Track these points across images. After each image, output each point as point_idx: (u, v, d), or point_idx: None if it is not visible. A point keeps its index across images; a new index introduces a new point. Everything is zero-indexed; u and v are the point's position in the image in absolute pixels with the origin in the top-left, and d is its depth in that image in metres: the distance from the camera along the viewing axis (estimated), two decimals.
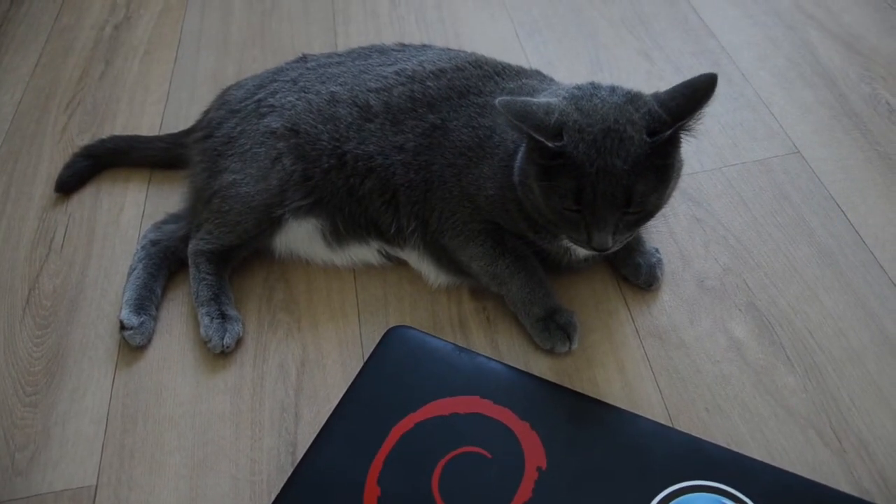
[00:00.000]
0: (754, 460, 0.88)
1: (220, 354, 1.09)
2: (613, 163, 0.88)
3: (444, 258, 1.11)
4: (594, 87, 0.96)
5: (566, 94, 0.96)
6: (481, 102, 1.08)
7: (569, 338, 1.02)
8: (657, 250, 1.11)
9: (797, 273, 1.09)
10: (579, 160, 0.89)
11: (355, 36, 1.62)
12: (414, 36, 1.60)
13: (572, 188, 0.90)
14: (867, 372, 0.98)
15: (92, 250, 1.27)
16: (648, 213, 0.94)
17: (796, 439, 0.93)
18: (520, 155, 0.98)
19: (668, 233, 1.16)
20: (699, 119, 0.91)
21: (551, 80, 1.14)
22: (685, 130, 0.92)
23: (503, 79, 1.11)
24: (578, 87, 0.97)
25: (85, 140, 1.42)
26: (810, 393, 0.96)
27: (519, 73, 1.14)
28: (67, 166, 1.37)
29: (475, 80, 1.11)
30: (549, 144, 0.89)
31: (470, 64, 1.14)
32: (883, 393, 0.95)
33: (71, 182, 1.36)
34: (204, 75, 1.55)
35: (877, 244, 1.10)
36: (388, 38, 1.51)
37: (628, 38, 1.50)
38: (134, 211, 1.31)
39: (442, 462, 0.90)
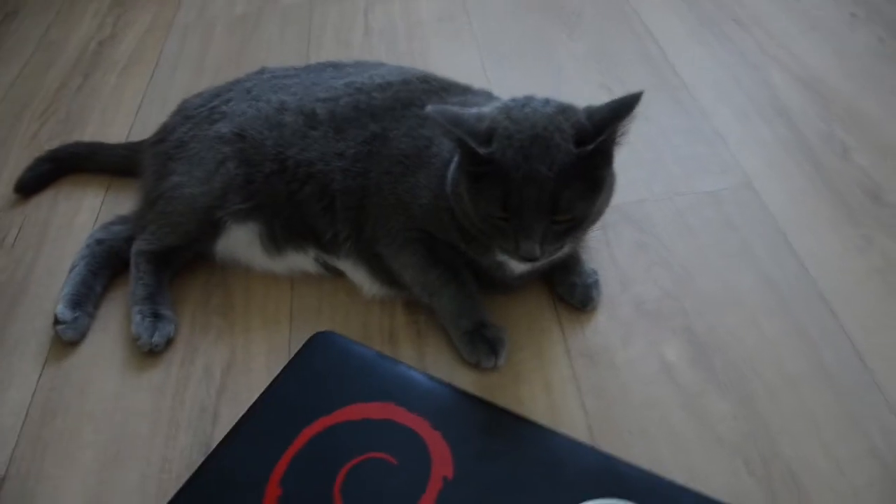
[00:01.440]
0: (671, 482, 0.85)
1: (148, 353, 1.08)
2: (539, 169, 0.88)
3: (378, 268, 1.10)
4: (528, 98, 0.97)
5: (500, 105, 0.96)
6: (423, 115, 1.07)
7: (495, 353, 1.00)
8: (595, 272, 1.10)
9: (738, 301, 1.07)
10: (506, 166, 0.89)
11: None
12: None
13: (499, 195, 0.90)
14: (801, 401, 0.94)
15: (42, 250, 1.28)
16: (577, 224, 0.93)
17: (722, 466, 0.89)
18: (453, 164, 0.98)
19: (609, 257, 1.14)
20: (624, 133, 0.91)
21: (498, 98, 1.14)
22: (614, 142, 0.92)
23: (449, 94, 1.12)
24: (513, 99, 0.97)
25: (52, 147, 1.44)
26: (740, 420, 0.93)
27: (465, 90, 1.15)
28: (29, 168, 1.39)
29: (420, 93, 1.12)
30: (479, 150, 0.89)
31: (418, 79, 1.15)
32: (816, 423, 0.92)
33: (31, 184, 1.38)
34: (176, 93, 1.56)
35: (821, 275, 1.08)
36: None
37: (592, 72, 1.51)
38: (88, 215, 1.33)
39: (347, 466, 0.87)
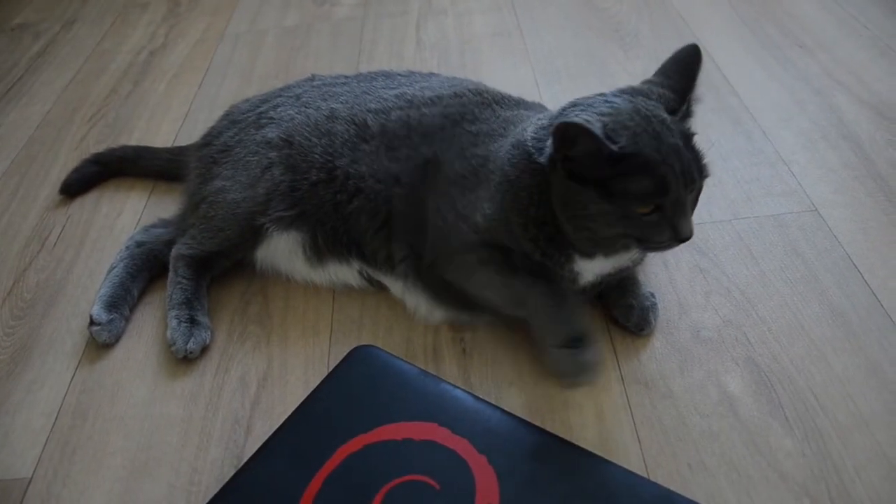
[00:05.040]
0: None
1: (182, 360, 1.05)
2: (675, 144, 0.88)
3: (443, 292, 1.04)
4: (585, 99, 0.94)
5: (568, 111, 0.92)
6: (475, 130, 1.04)
7: (584, 371, 0.93)
8: (653, 294, 1.04)
9: (804, 331, 1.00)
10: (645, 154, 0.86)
11: None
12: None
13: (648, 186, 0.86)
14: (876, 442, 0.87)
15: (82, 251, 1.26)
16: (699, 191, 0.93)
17: None
18: (557, 196, 0.92)
19: (667, 280, 1.09)
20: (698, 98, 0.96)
21: (551, 112, 1.10)
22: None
23: (501, 107, 1.08)
24: (573, 104, 0.94)
25: (100, 150, 1.43)
26: (808, 458, 0.86)
27: (518, 103, 1.10)
28: (76, 170, 1.39)
29: (472, 106, 1.08)
30: (613, 147, 0.85)
31: (470, 91, 1.11)
32: (893, 465, 0.85)
33: (76, 185, 1.38)
34: (224, 100, 1.57)
35: (895, 309, 1.01)
36: None
37: None
38: (130, 218, 1.31)
39: (386, 488, 0.82)
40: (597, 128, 0.85)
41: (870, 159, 1.26)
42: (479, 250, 0.99)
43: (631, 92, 0.95)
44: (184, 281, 1.11)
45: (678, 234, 0.90)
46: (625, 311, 1.03)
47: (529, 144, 0.94)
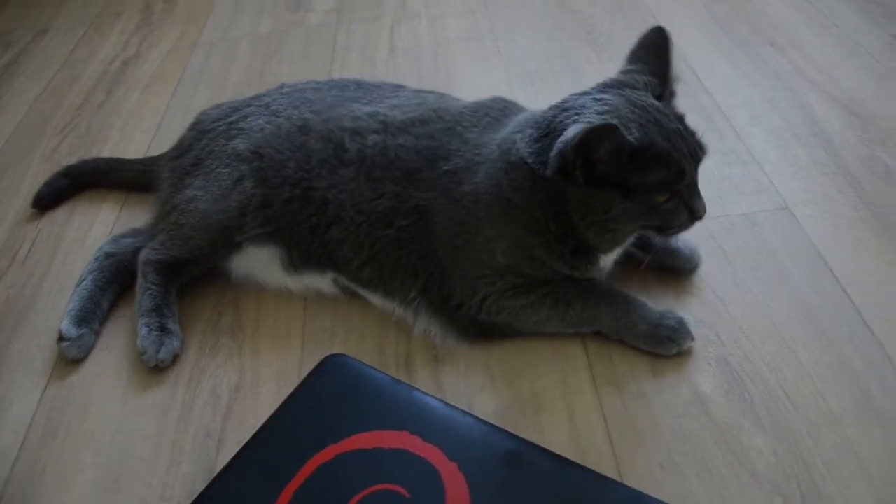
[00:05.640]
0: None
1: (154, 370, 1.05)
2: (677, 129, 0.92)
3: (472, 329, 1.02)
4: (571, 100, 0.94)
5: (568, 113, 0.92)
6: (452, 168, 1.02)
7: (684, 334, 0.97)
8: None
9: (775, 329, 1.00)
10: (658, 142, 0.89)
11: None
12: (407, 83, 1.58)
13: (664, 174, 0.90)
14: (846, 438, 0.87)
15: (52, 265, 1.25)
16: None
17: None
18: (576, 205, 0.92)
19: (638, 281, 1.08)
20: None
21: (514, 104, 1.10)
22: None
23: (464, 128, 1.06)
24: (561, 109, 0.94)
25: (72, 161, 1.42)
26: (780, 457, 0.86)
27: (476, 112, 1.08)
28: (47, 184, 1.37)
29: (439, 136, 1.05)
30: (632, 139, 0.87)
31: (433, 114, 1.08)
32: (863, 462, 0.85)
33: (47, 199, 1.36)
34: (197, 109, 1.52)
35: (865, 305, 1.01)
36: None
37: None
38: (102, 230, 1.30)
39: (356, 498, 0.82)
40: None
41: (840, 156, 1.27)
42: (517, 295, 0.99)
43: (617, 85, 0.96)
44: (153, 287, 1.10)
45: (695, 213, 0.94)
46: (674, 250, 1.08)
47: (531, 161, 0.93)
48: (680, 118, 0.95)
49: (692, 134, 0.94)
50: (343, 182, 1.06)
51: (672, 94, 0.99)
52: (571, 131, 0.86)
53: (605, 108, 0.91)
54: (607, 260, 1.01)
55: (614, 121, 0.87)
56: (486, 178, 0.98)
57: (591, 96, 0.94)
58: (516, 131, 0.98)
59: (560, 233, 0.95)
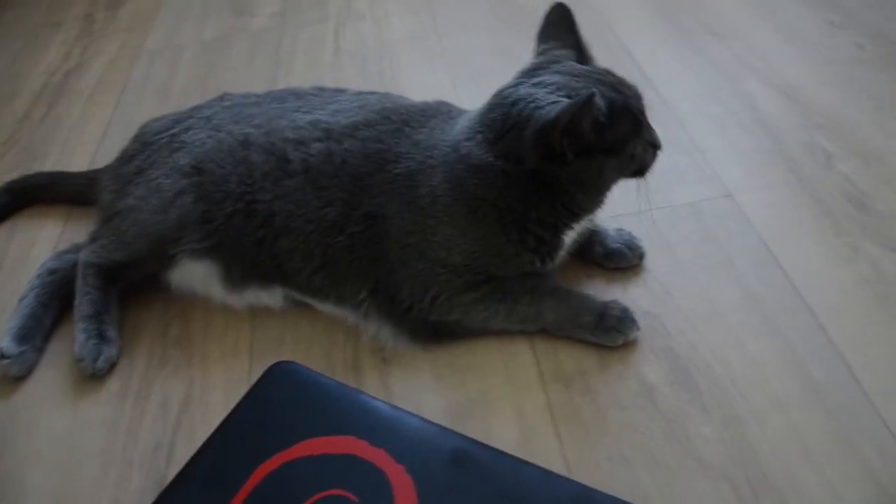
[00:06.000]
0: None
1: (97, 384, 1.03)
2: (615, 79, 0.98)
3: (423, 330, 1.02)
4: (511, 91, 0.97)
5: (520, 106, 0.94)
6: (403, 172, 1.02)
7: (630, 324, 0.99)
8: (620, 229, 1.14)
9: (721, 317, 1.01)
10: (615, 97, 0.94)
11: (295, 85, 1.55)
12: (352, 86, 1.55)
13: (633, 121, 0.96)
14: (791, 422, 0.88)
15: None
16: None
17: (707, 493, 0.83)
18: (570, 183, 0.96)
19: (585, 275, 1.09)
20: None
21: (458, 108, 1.10)
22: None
23: (412, 129, 1.06)
24: (511, 102, 0.95)
25: (13, 177, 1.39)
26: (727, 444, 0.87)
27: (424, 113, 1.08)
28: None
29: (387, 138, 1.05)
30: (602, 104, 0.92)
31: (378, 116, 1.08)
32: (807, 445, 0.86)
33: None
34: (141, 120, 1.50)
35: (807, 289, 1.03)
36: None
37: None
38: (46, 246, 1.28)
39: None
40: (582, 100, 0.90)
41: (781, 143, 1.29)
42: (468, 290, 1.00)
43: (545, 65, 0.99)
44: (93, 291, 1.09)
45: (657, 145, 1.01)
46: (614, 253, 1.10)
47: (499, 163, 0.95)
48: (610, 72, 1.00)
49: (625, 80, 1.00)
50: (289, 193, 1.05)
51: (591, 60, 1.03)
52: (548, 116, 0.89)
53: (554, 86, 0.93)
54: (567, 240, 1.02)
55: (593, 90, 0.90)
56: (444, 180, 0.98)
57: (526, 84, 0.96)
58: (467, 137, 0.98)
59: (540, 220, 0.97)
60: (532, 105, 0.92)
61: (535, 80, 0.96)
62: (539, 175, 0.95)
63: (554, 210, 0.98)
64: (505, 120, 0.94)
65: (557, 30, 1.04)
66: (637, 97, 0.98)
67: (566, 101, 0.91)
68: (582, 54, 1.03)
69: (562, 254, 1.03)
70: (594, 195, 1.00)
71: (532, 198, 0.96)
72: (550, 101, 0.91)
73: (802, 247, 1.10)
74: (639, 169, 1.00)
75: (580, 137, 0.91)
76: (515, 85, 0.97)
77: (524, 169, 0.94)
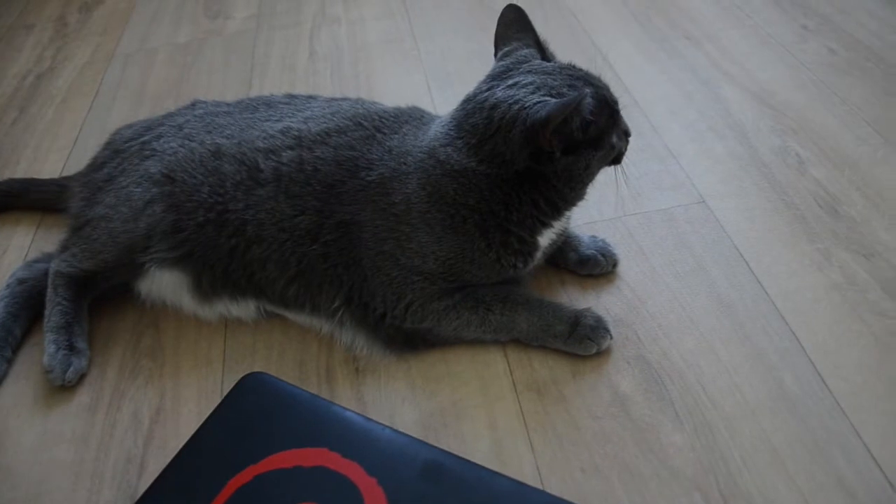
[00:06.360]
0: None
1: (65, 394, 1.03)
2: (583, 72, 0.99)
3: (397, 338, 1.02)
4: (483, 94, 0.97)
5: (501, 110, 0.93)
6: (376, 179, 1.01)
7: (603, 333, 0.99)
8: (594, 236, 1.14)
9: (693, 324, 1.02)
10: (591, 91, 0.94)
11: (269, 89, 1.59)
12: (327, 89, 1.59)
13: (609, 111, 0.97)
14: (762, 430, 0.89)
15: None
16: None
17: (679, 502, 0.84)
18: (562, 179, 0.96)
19: (558, 282, 1.10)
20: None
21: (430, 114, 1.10)
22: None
23: (384, 135, 1.05)
24: (483, 103, 0.95)
25: None
26: (698, 452, 0.88)
27: (397, 118, 1.08)
28: None
29: (359, 145, 1.04)
30: (606, 95, 0.97)
31: (350, 122, 1.08)
32: (777, 453, 0.87)
33: None
34: (114, 125, 1.50)
35: (779, 295, 1.04)
36: (302, 92, 1.48)
37: None
38: (17, 254, 1.26)
39: None
40: (573, 95, 0.91)
41: (754, 148, 1.29)
42: (442, 297, 1.00)
43: (514, 66, 0.99)
44: (64, 303, 1.08)
45: (629, 132, 1.03)
46: (587, 260, 1.10)
47: (481, 168, 0.94)
48: (575, 66, 1.00)
49: (591, 73, 1.01)
50: (260, 202, 1.04)
51: (552, 56, 1.04)
52: (538, 115, 0.90)
53: (532, 86, 0.94)
54: (544, 240, 1.02)
55: (586, 90, 0.92)
56: (419, 187, 0.98)
57: (501, 87, 0.95)
58: (443, 143, 0.98)
59: (520, 222, 0.97)
60: (515, 106, 0.92)
61: (510, 81, 0.95)
62: (523, 176, 0.95)
63: (537, 209, 0.98)
64: (488, 124, 0.94)
65: (515, 30, 1.05)
66: (607, 88, 1.00)
67: (551, 100, 0.91)
68: (543, 52, 1.03)
69: (539, 256, 1.03)
70: (580, 189, 1.00)
71: (514, 199, 0.96)
72: (535, 101, 0.91)
73: (775, 253, 1.10)
74: (616, 157, 1.01)
75: (569, 135, 0.92)
76: (489, 89, 0.97)
77: (508, 171, 0.94)
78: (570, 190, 0.99)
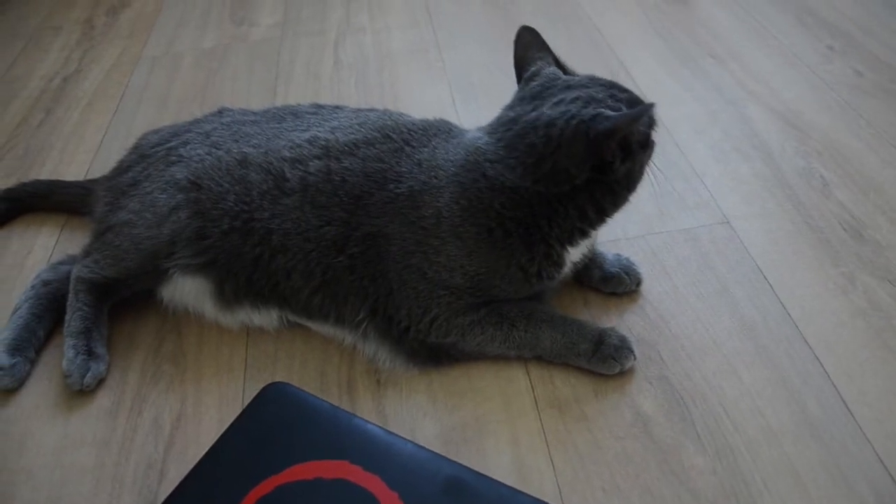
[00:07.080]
0: None
1: (85, 398, 1.03)
2: (609, 81, 1.02)
3: (421, 352, 1.02)
4: (533, 115, 0.98)
5: (555, 128, 0.94)
6: (405, 192, 1.01)
7: (627, 353, 0.99)
8: (619, 254, 1.14)
9: (716, 346, 1.02)
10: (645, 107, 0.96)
11: (294, 96, 1.60)
12: (352, 98, 1.59)
13: (649, 115, 0.99)
14: (784, 454, 0.89)
15: None
16: None
17: None
18: (623, 185, 0.99)
19: (581, 301, 1.09)
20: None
21: (458, 127, 1.10)
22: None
23: (413, 148, 1.06)
24: (531, 123, 0.96)
25: (9, 185, 1.38)
26: (719, 475, 0.87)
27: (426, 131, 1.08)
28: None
29: (388, 157, 1.04)
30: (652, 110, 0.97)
31: (379, 134, 1.08)
32: (800, 477, 0.86)
33: None
34: (139, 127, 1.53)
35: (802, 318, 1.03)
36: (327, 101, 1.49)
37: None
38: (42, 255, 1.27)
39: None
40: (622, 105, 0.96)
41: (779, 168, 1.29)
42: (467, 312, 1.00)
43: (549, 85, 1.00)
44: (85, 308, 1.08)
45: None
46: (612, 278, 1.11)
47: (538, 186, 0.95)
48: (597, 77, 1.02)
49: (616, 81, 1.03)
50: (286, 212, 1.05)
51: (572, 72, 1.06)
52: (605, 126, 0.91)
53: (581, 101, 0.96)
54: (573, 256, 1.03)
55: (651, 102, 0.95)
56: (452, 201, 0.98)
57: (546, 105, 0.97)
58: (492, 160, 0.98)
59: (563, 234, 0.99)
60: (574, 121, 0.93)
61: (553, 100, 0.97)
62: (577, 188, 0.96)
63: (582, 219, 0.99)
64: (546, 142, 0.94)
65: (534, 51, 1.07)
66: (632, 92, 1.02)
67: (607, 111, 0.93)
68: (563, 70, 1.06)
69: (567, 270, 1.04)
70: (635, 188, 1.02)
71: (560, 213, 0.97)
72: (591, 113, 0.93)
73: (798, 276, 1.10)
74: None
75: (629, 145, 0.95)
76: (533, 109, 0.98)
77: (566, 187, 0.95)
78: (629, 192, 1.01)
